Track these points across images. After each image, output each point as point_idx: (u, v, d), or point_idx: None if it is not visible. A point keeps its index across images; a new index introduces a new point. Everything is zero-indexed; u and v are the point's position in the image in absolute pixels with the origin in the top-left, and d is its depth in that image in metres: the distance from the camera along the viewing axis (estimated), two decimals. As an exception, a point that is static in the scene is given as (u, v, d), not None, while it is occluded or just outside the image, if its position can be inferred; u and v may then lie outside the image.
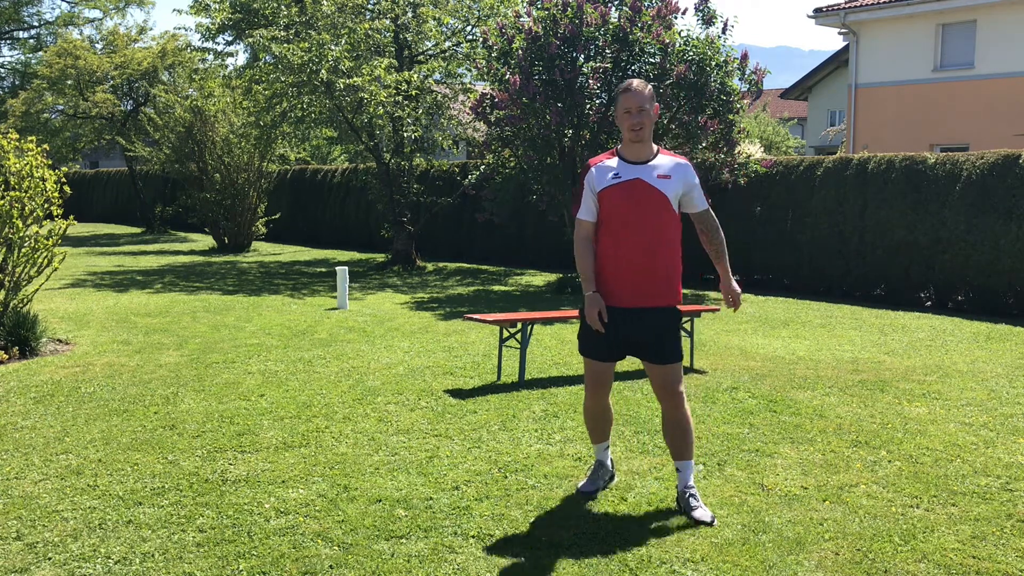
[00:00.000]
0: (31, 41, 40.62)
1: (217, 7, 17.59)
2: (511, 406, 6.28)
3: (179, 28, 26.65)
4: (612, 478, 4.68)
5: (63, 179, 8.59)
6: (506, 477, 4.81)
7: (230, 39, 19.05)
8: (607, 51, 12.40)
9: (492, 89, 13.60)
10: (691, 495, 4.30)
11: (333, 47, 15.12)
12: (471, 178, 16.54)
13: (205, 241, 24.11)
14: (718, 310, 9.39)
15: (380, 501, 4.44)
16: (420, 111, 16.47)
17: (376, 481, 4.73)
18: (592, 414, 4.55)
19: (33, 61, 39.01)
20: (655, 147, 4.39)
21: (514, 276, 15.87)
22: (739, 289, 4.51)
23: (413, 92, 15.88)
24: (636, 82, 4.32)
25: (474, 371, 7.45)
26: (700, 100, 12.42)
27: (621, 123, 4.33)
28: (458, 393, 6.68)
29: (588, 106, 12.57)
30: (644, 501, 4.45)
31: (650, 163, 4.32)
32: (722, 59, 12.53)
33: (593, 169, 4.38)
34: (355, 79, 14.70)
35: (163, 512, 4.30)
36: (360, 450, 5.26)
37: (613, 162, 4.36)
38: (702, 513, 4.23)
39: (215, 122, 20.91)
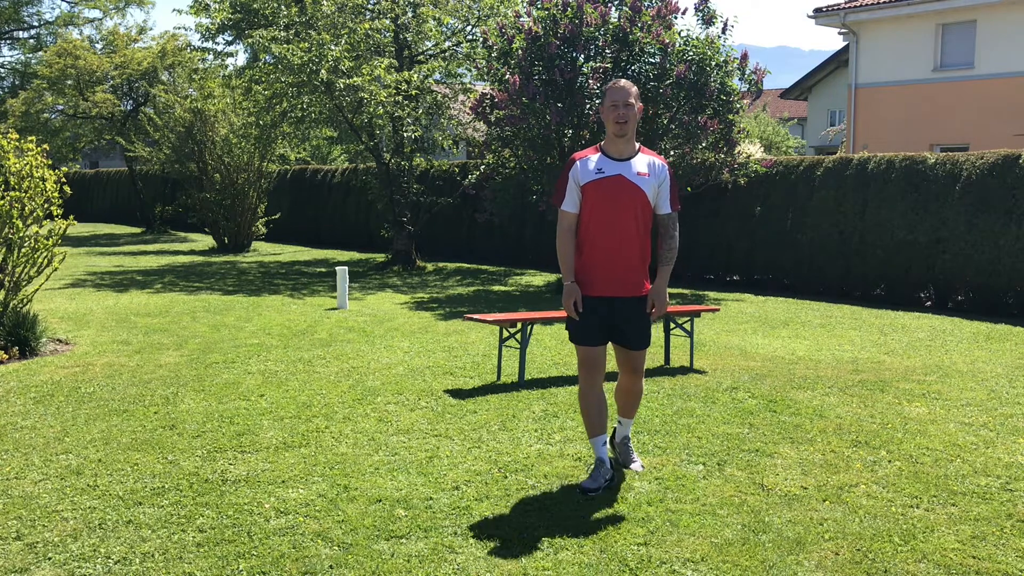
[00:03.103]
0: (31, 41, 40.56)
1: (217, 7, 17.58)
2: (511, 406, 6.28)
3: (179, 28, 26.69)
4: (612, 478, 4.69)
5: (63, 179, 8.59)
6: (506, 477, 4.81)
7: (230, 39, 19.04)
8: (607, 51, 12.41)
9: (492, 89, 13.60)
10: (630, 445, 5.03)
11: (333, 47, 15.11)
12: (471, 178, 16.53)
13: (205, 241, 24.10)
14: (718, 310, 9.40)
15: (380, 501, 4.44)
16: (420, 111, 16.46)
17: (376, 481, 4.73)
18: (587, 400, 4.72)
19: (33, 61, 38.93)
20: (637, 145, 4.67)
21: (514, 276, 15.87)
22: (667, 300, 4.78)
23: (413, 92, 15.88)
24: (623, 80, 4.65)
25: (474, 371, 7.45)
26: (700, 100, 12.42)
27: (607, 116, 4.58)
28: (458, 393, 6.69)
29: (588, 106, 12.58)
30: (644, 500, 4.45)
31: (631, 160, 4.60)
32: (722, 59, 12.54)
33: (578, 163, 4.63)
34: (355, 79, 14.70)
35: (163, 512, 4.30)
36: (360, 450, 5.26)
37: (596, 157, 4.62)
38: (637, 465, 4.93)
39: (215, 122, 20.90)
